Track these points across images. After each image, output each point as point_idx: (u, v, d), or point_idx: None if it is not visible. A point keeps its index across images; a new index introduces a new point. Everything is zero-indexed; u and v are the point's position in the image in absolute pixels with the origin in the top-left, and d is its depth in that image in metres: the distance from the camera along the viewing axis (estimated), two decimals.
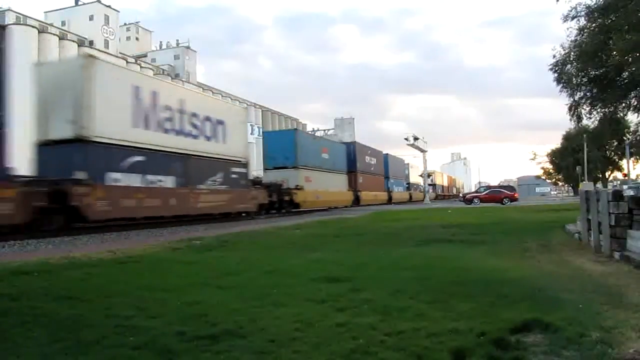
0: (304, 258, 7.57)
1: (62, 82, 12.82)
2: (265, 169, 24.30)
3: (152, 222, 15.05)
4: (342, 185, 31.28)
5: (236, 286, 5.28)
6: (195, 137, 16.97)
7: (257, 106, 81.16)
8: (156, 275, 6.10)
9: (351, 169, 32.72)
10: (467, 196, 41.57)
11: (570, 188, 70.66)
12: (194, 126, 17.00)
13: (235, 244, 9.94)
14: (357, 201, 32.87)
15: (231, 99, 70.11)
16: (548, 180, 76.81)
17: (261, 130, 27.88)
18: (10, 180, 10.28)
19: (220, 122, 18.52)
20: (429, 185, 59.08)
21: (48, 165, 12.21)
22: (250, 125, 26.21)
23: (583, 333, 3.37)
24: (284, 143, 24.87)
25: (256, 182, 21.62)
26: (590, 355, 3.03)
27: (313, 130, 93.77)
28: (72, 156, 12.34)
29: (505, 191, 39.75)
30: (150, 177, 14.57)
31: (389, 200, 41.36)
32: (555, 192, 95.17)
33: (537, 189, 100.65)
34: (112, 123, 13.20)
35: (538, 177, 75.85)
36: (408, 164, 53.88)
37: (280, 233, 12.61)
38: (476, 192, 46.52)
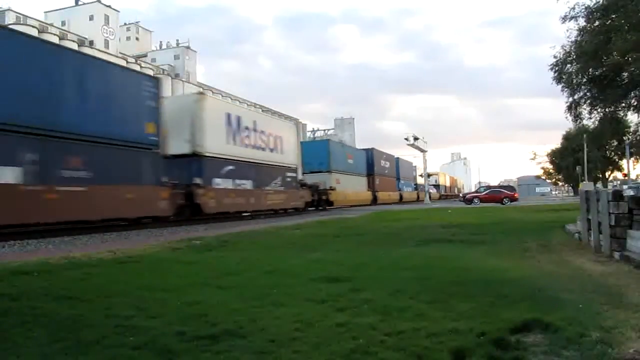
0: (304, 258, 7.57)
1: (181, 112, 17.09)
2: (303, 173, 27.27)
3: (159, 222, 15.90)
4: (363, 186, 36.13)
5: (236, 286, 5.28)
6: (263, 149, 21.77)
7: (257, 106, 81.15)
8: (156, 275, 6.10)
9: (370, 172, 37.68)
10: (467, 196, 41.59)
11: (570, 188, 70.70)
12: (263, 141, 21.81)
13: (235, 244, 9.94)
14: (375, 200, 37.10)
15: (231, 99, 70.16)
16: (548, 180, 76.85)
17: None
18: (166, 185, 15.12)
19: (279, 137, 23.36)
20: (433, 185, 64.16)
21: (170, 174, 15.75)
22: None
23: (583, 333, 3.37)
24: (319, 151, 30.09)
25: (302, 184, 25.87)
26: (590, 355, 3.03)
27: (313, 130, 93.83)
28: (190, 166, 17.00)
29: (505, 191, 39.76)
30: (237, 181, 19.40)
31: (400, 200, 45.49)
32: (556, 192, 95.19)
33: (537, 189, 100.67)
34: (214, 141, 17.91)
35: (538, 177, 75.92)
36: (415, 166, 58.45)
37: (280, 233, 12.61)
38: (476, 192, 46.56)
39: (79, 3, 63.99)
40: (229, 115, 19.32)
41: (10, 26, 47.76)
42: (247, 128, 20.44)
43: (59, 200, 11.23)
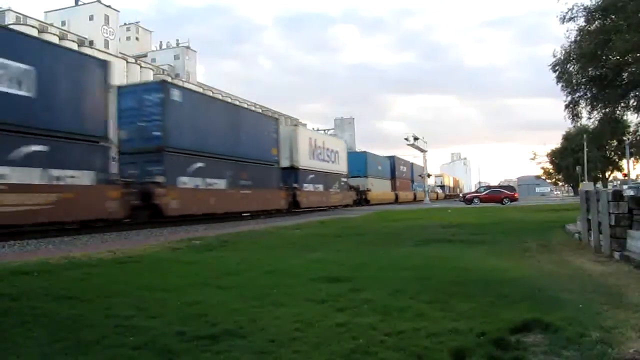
0: (304, 258, 7.57)
1: (284, 139, 23.92)
2: (347, 178, 35.15)
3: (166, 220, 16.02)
4: (388, 187, 44.17)
5: (236, 286, 5.28)
6: (327, 161, 29.42)
7: (257, 106, 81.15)
8: (156, 275, 6.10)
9: (392, 176, 45.65)
10: (467, 196, 41.61)
11: (570, 188, 70.70)
12: (327, 155, 29.58)
13: (235, 243, 9.94)
14: (396, 199, 44.82)
15: (231, 99, 70.13)
16: (548, 180, 76.82)
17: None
18: (281, 188, 22.92)
19: (336, 151, 31.27)
20: (439, 186, 72.80)
21: (283, 182, 23.14)
22: None
23: (583, 333, 3.37)
24: (358, 160, 37.67)
25: (350, 186, 34.01)
26: (590, 355, 3.03)
27: (313, 130, 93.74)
28: (290, 175, 24.30)
29: (505, 191, 39.77)
30: (316, 185, 27.43)
31: (414, 199, 51.84)
32: (556, 193, 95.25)
33: (537, 189, 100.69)
34: (304, 157, 25.77)
35: (538, 177, 75.88)
36: (435, 175, 70.47)
37: (281, 233, 12.61)
38: (476, 192, 46.60)
39: (79, 3, 63.97)
40: (310, 139, 27.53)
41: (10, 26, 47.78)
42: (319, 147, 28.43)
43: (240, 198, 18.99)
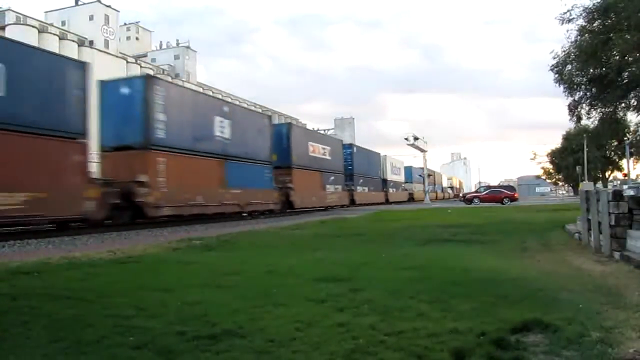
0: (304, 258, 7.57)
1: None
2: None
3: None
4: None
5: (236, 286, 5.28)
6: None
7: (257, 106, 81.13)
8: (156, 275, 6.10)
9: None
10: (467, 196, 41.62)
11: (570, 188, 70.68)
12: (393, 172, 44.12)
13: (235, 243, 9.94)
14: (412, 198, 51.31)
15: (231, 99, 70.04)
16: (548, 180, 76.80)
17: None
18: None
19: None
20: (449, 187, 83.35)
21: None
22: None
23: (583, 333, 3.37)
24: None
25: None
26: (590, 355, 3.03)
27: (313, 130, 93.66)
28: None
29: (505, 191, 39.78)
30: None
31: (409, 199, 55.81)
32: (562, 192, 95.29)
33: (537, 189, 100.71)
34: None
35: (538, 177, 75.86)
36: (440, 173, 79.75)
37: (281, 233, 12.61)
38: (476, 192, 46.62)
39: (79, 3, 63.91)
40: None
41: (10, 26, 47.78)
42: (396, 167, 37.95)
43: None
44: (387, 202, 42.35)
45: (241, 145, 19.51)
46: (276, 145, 23.09)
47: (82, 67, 12.84)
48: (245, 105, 66.84)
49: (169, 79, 62.01)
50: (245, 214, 20.56)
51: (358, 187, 35.40)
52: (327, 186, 29.40)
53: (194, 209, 16.49)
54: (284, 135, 24.42)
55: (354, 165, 34.68)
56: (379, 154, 43.58)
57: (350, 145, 36.85)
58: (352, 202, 33.64)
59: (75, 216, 12.47)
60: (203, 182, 16.98)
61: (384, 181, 43.65)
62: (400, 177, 50.70)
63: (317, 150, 28.33)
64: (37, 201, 10.89)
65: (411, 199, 52.83)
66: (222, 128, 18.49)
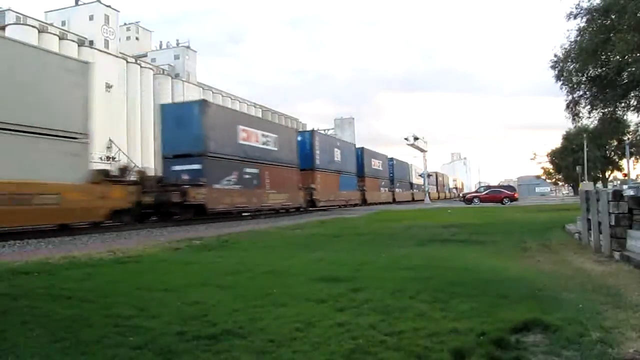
0: (304, 258, 7.57)
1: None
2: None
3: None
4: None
5: (236, 286, 5.28)
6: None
7: (257, 106, 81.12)
8: (156, 275, 6.10)
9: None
10: (467, 196, 41.62)
11: (570, 188, 70.69)
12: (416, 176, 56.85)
13: (235, 243, 9.94)
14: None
15: (231, 99, 70.13)
16: (548, 180, 76.82)
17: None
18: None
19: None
20: (455, 188, 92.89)
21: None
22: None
23: (583, 333, 3.37)
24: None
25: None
26: (590, 355, 3.03)
27: (313, 130, 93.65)
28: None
29: (505, 191, 39.80)
30: (400, 189, 49.52)
31: (438, 197, 65.03)
32: (556, 193, 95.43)
33: (537, 189, 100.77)
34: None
35: (538, 177, 75.91)
36: (447, 175, 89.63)
37: (281, 233, 12.61)
38: (476, 192, 46.62)
39: (79, 3, 63.87)
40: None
41: (10, 26, 47.75)
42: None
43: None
44: (413, 199, 53.87)
45: (340, 164, 32.31)
46: (353, 161, 36.24)
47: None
48: (246, 106, 66.98)
49: (169, 78, 62.10)
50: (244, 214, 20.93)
51: (396, 189, 48.44)
52: (381, 189, 43.58)
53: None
54: (358, 155, 37.79)
55: (394, 173, 47.89)
56: (407, 163, 56.11)
57: (392, 159, 48.25)
58: (394, 200, 45.91)
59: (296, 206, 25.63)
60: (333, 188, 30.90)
61: (411, 184, 56.91)
62: (420, 180, 59.74)
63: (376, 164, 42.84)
64: (288, 198, 24.08)
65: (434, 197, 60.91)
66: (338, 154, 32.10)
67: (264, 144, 22.49)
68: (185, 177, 17.14)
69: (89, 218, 13.29)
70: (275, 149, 23.38)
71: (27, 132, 11.21)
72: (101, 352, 3.12)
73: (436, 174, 70.81)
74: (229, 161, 19.22)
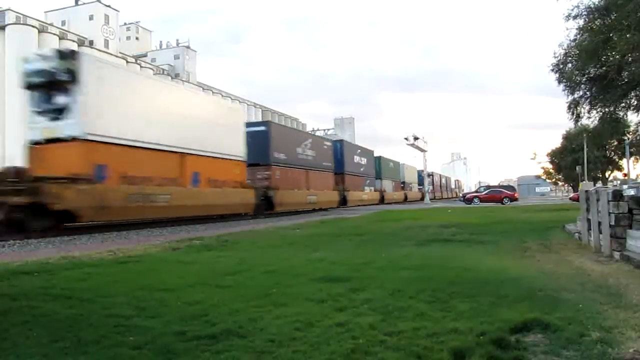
0: (304, 258, 7.56)
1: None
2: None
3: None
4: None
5: (236, 286, 5.28)
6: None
7: (257, 106, 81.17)
8: (156, 275, 6.10)
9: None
10: (467, 196, 41.63)
11: (570, 188, 70.67)
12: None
13: (235, 243, 9.94)
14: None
15: (231, 99, 70.14)
16: (548, 180, 76.80)
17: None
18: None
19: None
20: (456, 188, 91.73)
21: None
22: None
23: (583, 333, 3.37)
24: (257, 138, 36.56)
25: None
26: (590, 355, 3.03)
27: (313, 130, 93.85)
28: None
29: (505, 191, 39.85)
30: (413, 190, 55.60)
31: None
32: (556, 193, 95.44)
33: (537, 189, 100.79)
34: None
35: (538, 177, 75.86)
36: (449, 177, 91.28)
37: (281, 233, 12.61)
38: (476, 191, 46.65)
39: (79, 3, 63.93)
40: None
41: (10, 26, 47.76)
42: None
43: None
44: (406, 199, 52.63)
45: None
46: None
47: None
48: (246, 105, 67.03)
49: (169, 78, 62.17)
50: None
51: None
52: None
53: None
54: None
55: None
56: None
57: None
58: (405, 199, 50.18)
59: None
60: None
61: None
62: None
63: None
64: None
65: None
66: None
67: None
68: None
69: None
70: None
71: None
72: (101, 352, 3.12)
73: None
74: None
